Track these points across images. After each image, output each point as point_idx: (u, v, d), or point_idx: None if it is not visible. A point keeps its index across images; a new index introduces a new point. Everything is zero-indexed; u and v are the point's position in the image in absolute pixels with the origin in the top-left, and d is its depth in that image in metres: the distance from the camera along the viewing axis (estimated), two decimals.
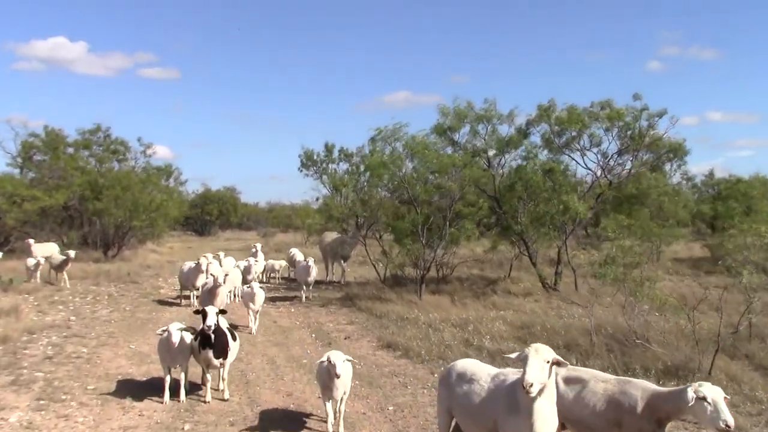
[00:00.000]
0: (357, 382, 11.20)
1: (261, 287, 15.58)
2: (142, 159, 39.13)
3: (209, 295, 15.24)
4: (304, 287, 21.10)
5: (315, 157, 40.88)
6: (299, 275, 21.25)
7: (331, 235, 25.70)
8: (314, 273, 21.06)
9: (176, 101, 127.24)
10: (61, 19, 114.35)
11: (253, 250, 25.46)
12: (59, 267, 22.25)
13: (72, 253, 22.18)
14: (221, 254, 23.26)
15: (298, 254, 25.62)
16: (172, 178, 43.44)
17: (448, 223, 19.10)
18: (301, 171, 41.47)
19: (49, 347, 13.63)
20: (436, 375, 11.64)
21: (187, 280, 19.40)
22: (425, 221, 19.24)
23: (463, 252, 25.54)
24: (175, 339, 9.86)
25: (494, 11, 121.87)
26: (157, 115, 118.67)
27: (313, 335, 15.51)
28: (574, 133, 20.10)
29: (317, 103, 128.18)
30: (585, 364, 11.73)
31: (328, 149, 40.86)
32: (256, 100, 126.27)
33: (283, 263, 26.14)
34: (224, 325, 10.48)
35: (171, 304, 19.98)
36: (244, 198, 71.45)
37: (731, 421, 5.94)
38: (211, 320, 9.76)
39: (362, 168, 39.03)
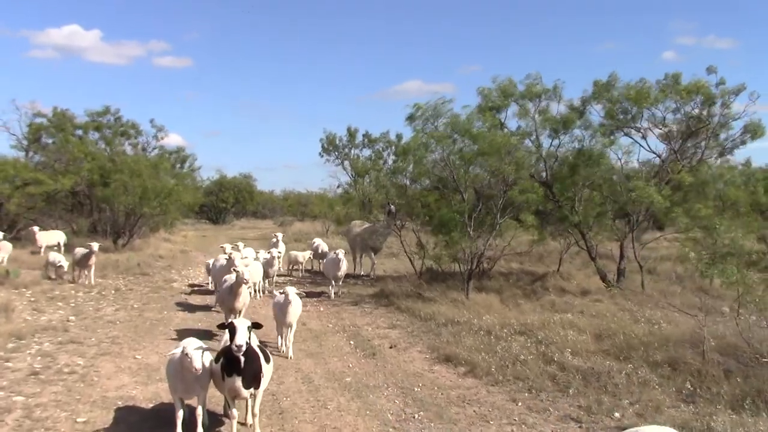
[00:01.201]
0: (421, 413, 8.62)
1: (298, 293, 11.72)
2: (154, 143, 36.59)
3: (230, 295, 12.63)
4: (333, 282, 18.53)
5: (337, 142, 38.55)
6: (328, 269, 18.66)
7: (360, 225, 23.06)
8: (345, 267, 18.50)
9: (189, 90, 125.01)
10: (74, 7, 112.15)
11: (274, 239, 22.83)
12: (81, 262, 19.22)
13: (95, 245, 18.96)
14: (240, 245, 20.68)
15: (322, 245, 23.07)
16: (186, 164, 40.78)
17: (499, 212, 16.41)
18: (322, 156, 39.27)
19: (38, 358, 11.09)
20: (519, 403, 9.05)
21: (220, 278, 17.02)
22: (472, 210, 16.58)
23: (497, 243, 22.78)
24: (198, 365, 7.16)
25: (506, 1, 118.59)
26: (170, 104, 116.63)
27: (352, 342, 12.92)
28: (634, 111, 17.35)
29: (329, 92, 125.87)
30: (702, 390, 9.16)
31: (351, 134, 38.55)
32: (269, 89, 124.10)
33: (308, 254, 23.39)
34: (255, 342, 7.81)
35: (184, 302, 17.42)
36: (259, 186, 68.91)
37: None
38: (240, 338, 7.09)
39: (396, 150, 36.71)
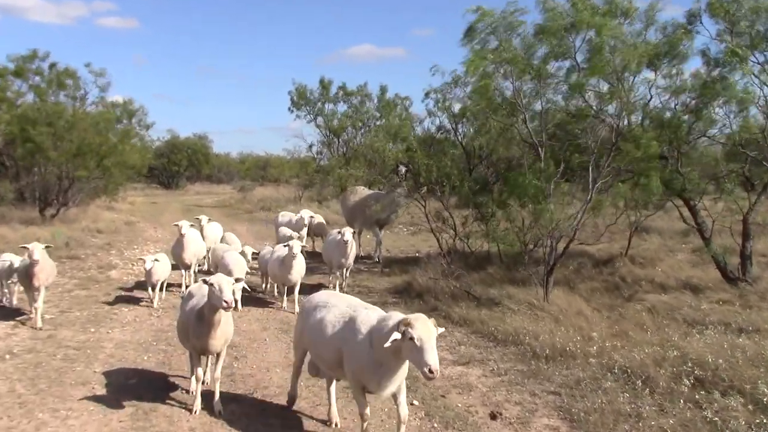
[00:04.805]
0: None
1: None
2: (96, 92, 29.35)
3: (199, 325, 6.46)
4: (338, 273, 12.63)
5: (309, 96, 32.14)
6: (330, 254, 12.66)
7: (361, 192, 16.98)
8: (354, 252, 12.67)
9: (136, 52, 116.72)
10: None
11: (298, 217, 16.50)
12: (23, 277, 9.85)
13: (36, 248, 9.45)
14: (204, 219, 14.47)
15: (317, 217, 16.88)
16: (134, 120, 33.34)
17: (603, 174, 10.53)
18: (292, 111, 32.80)
19: None
20: None
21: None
22: (553, 172, 10.71)
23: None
24: None
25: None
26: (115, 66, 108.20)
27: (415, 402, 6.98)
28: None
29: (280, 56, 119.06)
30: None
31: (325, 86, 32.08)
32: (218, 52, 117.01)
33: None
34: None
35: (124, 306, 11.28)
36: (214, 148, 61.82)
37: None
38: None
39: (380, 103, 30.55)
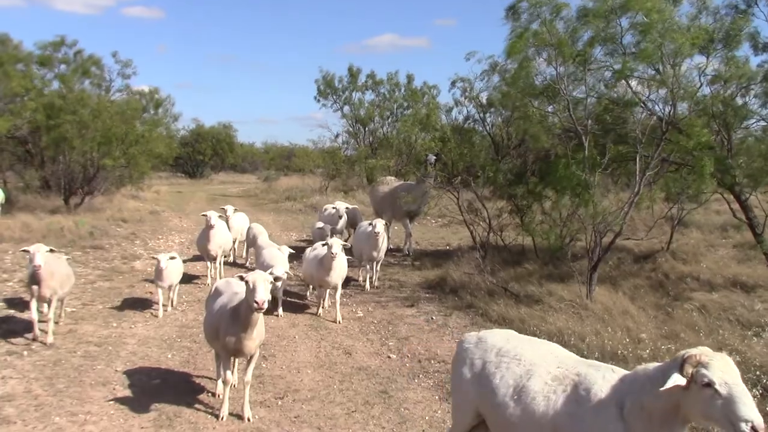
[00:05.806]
0: None
1: None
2: (119, 81, 29.14)
3: (234, 323, 5.90)
4: (368, 266, 12.08)
5: (336, 84, 31.57)
6: (360, 247, 12.08)
7: (391, 183, 16.40)
8: (386, 245, 12.12)
9: (160, 41, 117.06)
10: None
11: (333, 209, 15.23)
12: (30, 283, 8.17)
13: (39, 252, 7.92)
14: (230, 209, 14.01)
15: (354, 210, 16.07)
16: (160, 109, 32.98)
17: (645, 164, 9.81)
18: (318, 101, 32.27)
19: None
20: None
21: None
22: (598, 162, 10.03)
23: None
24: None
25: None
26: (140, 55, 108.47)
27: None
28: None
29: (302, 46, 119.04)
30: None
31: (353, 74, 31.48)
32: (241, 42, 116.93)
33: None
34: None
35: (147, 300, 10.82)
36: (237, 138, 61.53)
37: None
38: None
39: (407, 92, 29.96)
